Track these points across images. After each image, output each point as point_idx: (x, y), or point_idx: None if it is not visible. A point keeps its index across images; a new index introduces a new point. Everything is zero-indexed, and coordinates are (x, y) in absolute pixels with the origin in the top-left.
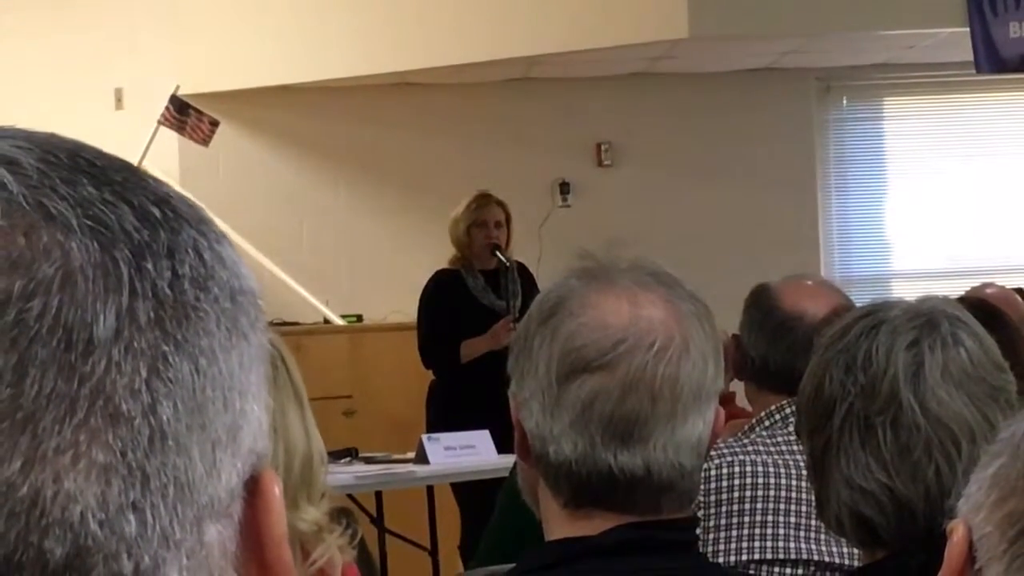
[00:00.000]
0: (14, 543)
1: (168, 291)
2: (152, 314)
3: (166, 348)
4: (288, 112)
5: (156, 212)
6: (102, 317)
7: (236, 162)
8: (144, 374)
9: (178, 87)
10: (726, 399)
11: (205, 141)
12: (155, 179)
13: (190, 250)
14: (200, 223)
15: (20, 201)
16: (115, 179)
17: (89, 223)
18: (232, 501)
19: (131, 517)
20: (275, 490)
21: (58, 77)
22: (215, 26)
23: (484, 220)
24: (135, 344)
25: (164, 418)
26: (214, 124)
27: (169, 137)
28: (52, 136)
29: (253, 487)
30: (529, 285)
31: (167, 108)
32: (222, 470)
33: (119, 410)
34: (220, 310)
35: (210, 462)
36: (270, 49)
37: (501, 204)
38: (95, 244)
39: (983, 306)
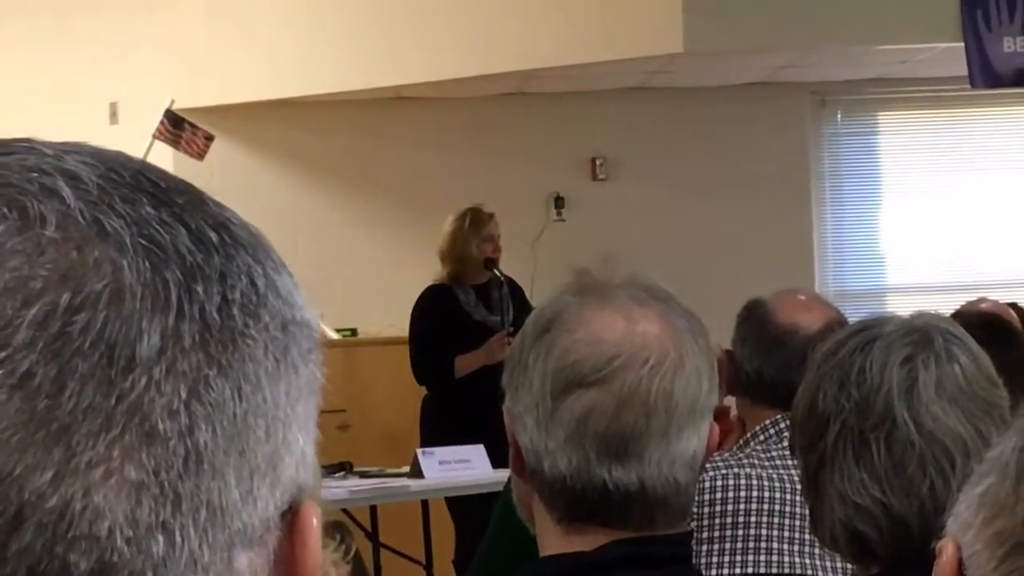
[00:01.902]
0: (39, 554)
1: (216, 315)
2: (197, 337)
3: (209, 372)
4: (283, 126)
5: (213, 236)
6: (146, 336)
7: (231, 176)
8: (184, 396)
9: (173, 101)
10: (720, 414)
11: (200, 155)
12: (218, 204)
13: (243, 276)
14: (258, 250)
15: (77, 216)
16: (176, 201)
17: (143, 242)
18: (267, 530)
19: (160, 537)
20: (313, 522)
21: (53, 91)
22: (210, 40)
23: (492, 234)
24: (177, 365)
25: (201, 441)
26: (209, 138)
27: (164, 151)
28: (119, 154)
29: (292, 518)
30: (519, 299)
31: (162, 122)
32: (258, 498)
33: (155, 429)
34: (269, 338)
35: (246, 489)
36: (265, 63)
37: (493, 216)
38: (147, 263)
39: (995, 323)
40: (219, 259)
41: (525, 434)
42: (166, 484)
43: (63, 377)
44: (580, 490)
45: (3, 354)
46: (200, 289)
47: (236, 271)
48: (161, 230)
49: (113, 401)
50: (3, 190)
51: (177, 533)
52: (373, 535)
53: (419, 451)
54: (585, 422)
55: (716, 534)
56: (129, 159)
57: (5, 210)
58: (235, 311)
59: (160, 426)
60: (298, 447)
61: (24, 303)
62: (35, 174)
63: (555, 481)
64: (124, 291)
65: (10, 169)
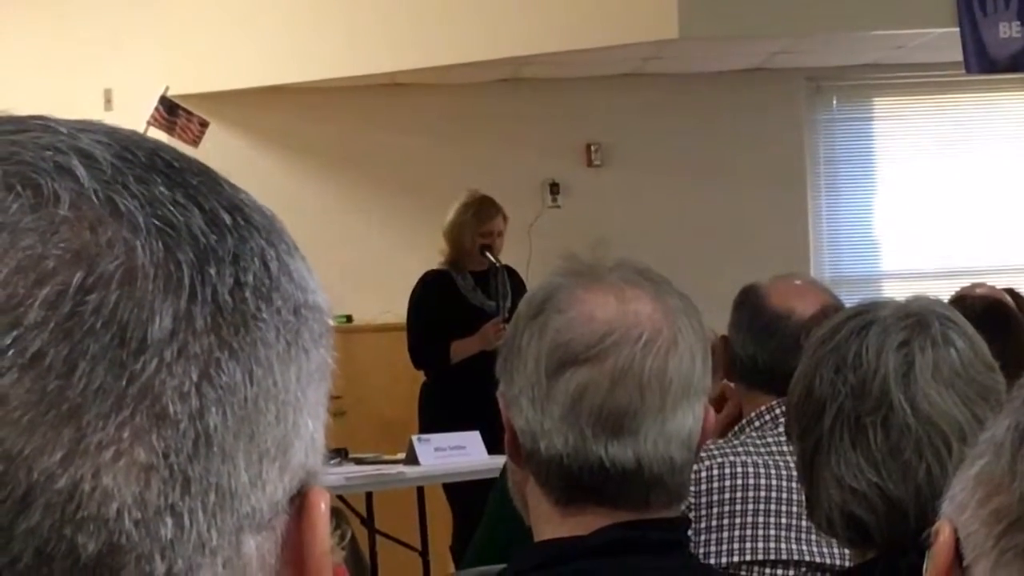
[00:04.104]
0: (47, 535)
1: (228, 298)
2: (209, 319)
3: (220, 355)
4: (278, 112)
5: (227, 218)
6: (158, 317)
7: (226, 162)
8: (195, 378)
9: (167, 88)
10: (721, 399)
11: (195, 142)
12: (232, 186)
13: (256, 259)
14: (271, 234)
15: (90, 195)
16: (190, 182)
17: (156, 223)
18: (276, 514)
19: (168, 519)
20: (321, 506)
21: (47, 78)
22: (204, 27)
23: (491, 231)
24: (189, 348)
25: (211, 424)
26: (204, 125)
27: (159, 138)
28: (134, 133)
29: (300, 502)
30: (518, 287)
31: (157, 109)
32: (267, 482)
33: (166, 411)
34: (281, 322)
35: (255, 473)
36: (259, 50)
37: (502, 211)
38: (160, 244)
39: (996, 308)
40: (232, 241)
41: (520, 416)
42: (175, 467)
43: (74, 357)
44: (577, 469)
45: (14, 333)
46: (213, 271)
47: (249, 254)
48: (175, 211)
49: (124, 383)
50: (17, 168)
51: (186, 516)
52: (369, 522)
53: (414, 438)
54: (580, 399)
55: (714, 523)
56: (144, 139)
57: (19, 188)
58: (248, 294)
59: (171, 408)
60: (307, 432)
61: (36, 282)
62: (49, 152)
63: (551, 461)
64: (136, 272)
65: (24, 147)
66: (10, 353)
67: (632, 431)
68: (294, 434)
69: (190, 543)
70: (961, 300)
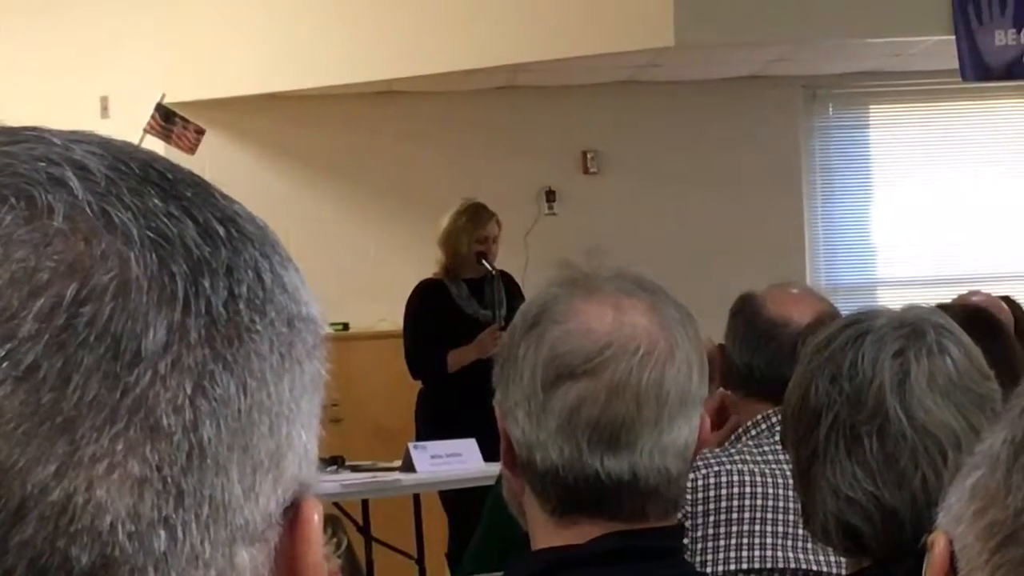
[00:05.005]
0: (41, 547)
1: (222, 310)
2: (203, 331)
3: (214, 367)
4: (274, 120)
5: (220, 230)
6: (152, 330)
7: (222, 170)
8: (189, 390)
9: (164, 95)
10: (722, 406)
11: (191, 149)
12: (226, 197)
13: (250, 271)
14: (265, 245)
15: (84, 207)
16: (184, 193)
17: (150, 235)
18: (269, 526)
19: (161, 532)
20: (314, 518)
21: (43, 85)
22: (201, 34)
23: (486, 236)
24: (183, 360)
25: (205, 436)
26: (200, 132)
27: (155, 145)
28: (127, 145)
29: (293, 514)
30: (513, 293)
31: (153, 116)
32: (260, 494)
33: (160, 424)
34: (275, 334)
35: (249, 485)
36: (256, 57)
37: (496, 217)
38: (154, 256)
39: (980, 315)
40: (226, 253)
41: (517, 427)
42: (169, 479)
43: (68, 370)
44: (572, 481)
45: (8, 346)
46: (207, 283)
47: (243, 265)
48: (168, 223)
49: (118, 395)
50: (11, 179)
51: (179, 528)
52: (365, 529)
53: (411, 445)
54: (577, 412)
55: (710, 531)
56: (137, 150)
57: (13, 200)
58: (241, 306)
59: (164, 421)
60: (301, 443)
61: (30, 294)
62: (43, 163)
63: (547, 473)
64: (130, 284)
65: (18, 158)
66: (4, 365)
67: (628, 444)
68: (287, 446)
69: (183, 556)
70: (945, 309)
